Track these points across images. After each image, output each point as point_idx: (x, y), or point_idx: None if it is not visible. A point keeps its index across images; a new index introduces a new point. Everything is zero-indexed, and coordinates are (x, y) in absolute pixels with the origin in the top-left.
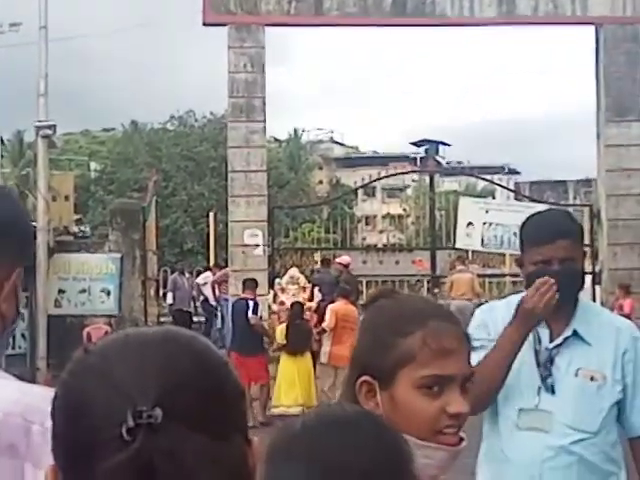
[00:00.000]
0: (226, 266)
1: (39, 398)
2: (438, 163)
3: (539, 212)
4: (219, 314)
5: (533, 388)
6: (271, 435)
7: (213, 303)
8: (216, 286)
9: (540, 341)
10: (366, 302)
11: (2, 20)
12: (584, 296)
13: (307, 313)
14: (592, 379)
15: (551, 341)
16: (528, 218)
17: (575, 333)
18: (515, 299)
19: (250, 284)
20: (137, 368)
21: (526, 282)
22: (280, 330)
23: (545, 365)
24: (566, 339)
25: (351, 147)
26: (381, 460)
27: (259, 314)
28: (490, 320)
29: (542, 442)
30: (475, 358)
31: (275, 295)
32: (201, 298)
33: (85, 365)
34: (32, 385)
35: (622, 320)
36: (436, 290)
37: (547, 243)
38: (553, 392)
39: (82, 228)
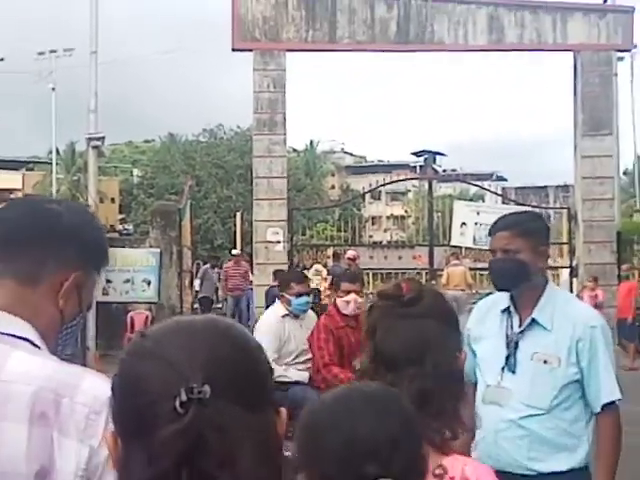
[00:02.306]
0: (251, 260)
1: (71, 376)
2: (435, 171)
3: (513, 213)
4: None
5: (499, 367)
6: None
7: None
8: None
9: (512, 326)
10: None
11: (57, 45)
12: (562, 287)
13: (326, 299)
14: (545, 362)
15: (519, 327)
16: (513, 216)
17: (534, 321)
18: (500, 296)
19: (281, 271)
20: (187, 350)
21: None
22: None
23: (510, 348)
24: (529, 325)
25: (359, 156)
26: (401, 428)
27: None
28: (486, 317)
29: (498, 415)
30: (477, 348)
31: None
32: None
33: (142, 347)
34: (67, 364)
35: (583, 310)
36: (433, 281)
37: (492, 235)
38: (514, 372)
39: (126, 227)
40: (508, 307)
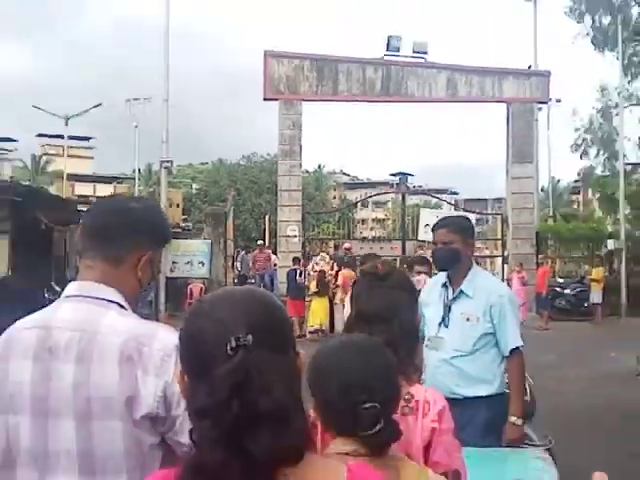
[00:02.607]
0: (275, 249)
1: (149, 329)
2: (407, 187)
3: (449, 216)
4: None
5: (437, 324)
6: (311, 349)
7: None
8: (254, 264)
9: (448, 296)
10: (363, 271)
11: (140, 94)
12: (497, 271)
13: (328, 277)
14: (468, 320)
15: (452, 295)
16: (450, 219)
17: (462, 292)
18: (441, 274)
19: (297, 260)
20: (233, 311)
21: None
22: (313, 284)
23: (445, 310)
24: (458, 294)
25: (353, 176)
26: (383, 367)
27: (302, 276)
28: (433, 289)
29: (436, 357)
30: (425, 311)
31: (312, 267)
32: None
33: (201, 309)
34: (146, 321)
35: (496, 284)
36: (404, 265)
37: (434, 231)
38: (447, 327)
39: (187, 225)
40: (445, 282)
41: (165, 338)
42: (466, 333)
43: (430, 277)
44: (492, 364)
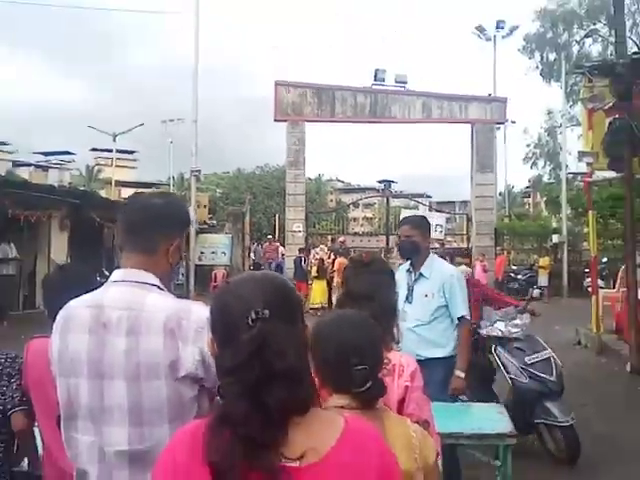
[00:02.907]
0: (283, 241)
1: (185, 306)
2: (390, 192)
3: (414, 215)
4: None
5: (403, 301)
6: (312, 321)
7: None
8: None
9: (411, 279)
10: (351, 259)
11: (174, 116)
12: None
13: (326, 264)
14: (426, 296)
15: (414, 278)
16: (409, 218)
17: (421, 274)
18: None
19: (301, 250)
20: (253, 290)
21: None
22: (314, 270)
23: (409, 290)
24: (418, 277)
25: (346, 182)
26: (372, 337)
27: (306, 263)
28: (401, 274)
29: (403, 327)
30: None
31: (313, 256)
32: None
33: (227, 288)
34: (181, 299)
35: (447, 267)
36: (388, 255)
37: (399, 227)
38: (410, 303)
39: (212, 222)
40: (409, 268)
41: (199, 312)
42: (425, 307)
43: (469, 267)
44: (446, 331)
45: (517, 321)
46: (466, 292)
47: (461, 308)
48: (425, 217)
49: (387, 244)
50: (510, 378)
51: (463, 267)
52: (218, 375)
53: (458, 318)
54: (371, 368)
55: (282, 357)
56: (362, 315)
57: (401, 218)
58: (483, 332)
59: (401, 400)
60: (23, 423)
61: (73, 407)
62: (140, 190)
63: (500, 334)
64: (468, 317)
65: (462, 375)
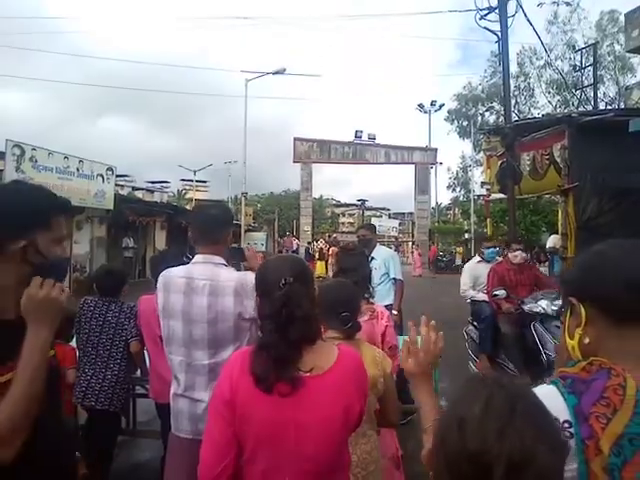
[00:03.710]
0: (298, 237)
1: (244, 276)
2: (365, 206)
3: (365, 223)
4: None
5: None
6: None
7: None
8: (284, 244)
9: (369, 261)
10: (341, 247)
11: (231, 159)
12: (408, 249)
13: (324, 250)
14: (377, 269)
15: (370, 260)
16: (366, 225)
17: (372, 257)
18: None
19: (309, 243)
20: (282, 264)
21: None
22: (317, 254)
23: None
24: (371, 259)
25: (337, 200)
26: (352, 294)
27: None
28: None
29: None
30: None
31: (316, 246)
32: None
33: (266, 264)
34: (239, 272)
35: (386, 250)
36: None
37: (358, 230)
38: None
39: (254, 225)
40: (369, 255)
41: (252, 277)
42: (377, 275)
43: (525, 252)
44: (389, 290)
45: (558, 301)
46: (399, 263)
47: (397, 272)
48: (373, 224)
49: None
50: (545, 353)
51: (519, 253)
52: (259, 318)
53: (394, 279)
54: (352, 314)
55: (300, 307)
56: (346, 282)
57: (372, 221)
58: (526, 308)
59: (383, 334)
60: (137, 347)
61: (171, 338)
62: (204, 204)
63: (542, 311)
64: (400, 278)
65: (395, 312)
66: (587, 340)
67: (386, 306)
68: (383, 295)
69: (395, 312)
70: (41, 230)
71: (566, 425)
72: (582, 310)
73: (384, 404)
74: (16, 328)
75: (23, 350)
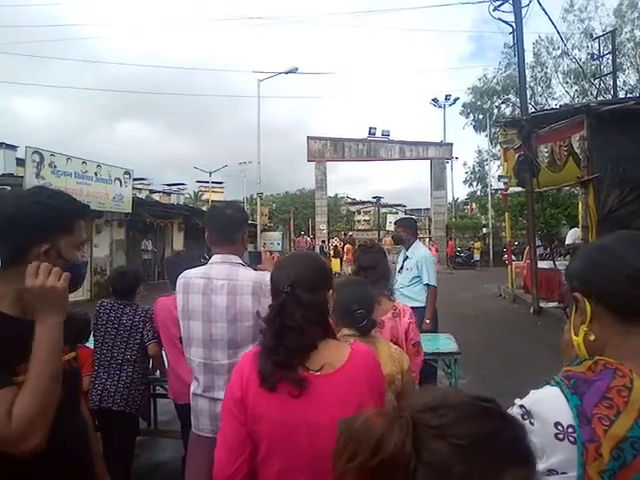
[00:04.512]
0: (314, 235)
1: (261, 275)
2: (380, 203)
3: (402, 217)
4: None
5: (397, 272)
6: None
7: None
8: (297, 244)
9: (404, 258)
10: (360, 245)
11: (246, 159)
12: (425, 244)
13: (339, 248)
14: (409, 269)
15: (404, 258)
16: (401, 219)
17: (407, 257)
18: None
19: (323, 241)
20: (290, 268)
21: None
22: (332, 252)
23: (402, 265)
24: (405, 258)
25: (352, 198)
26: (367, 292)
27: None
28: (400, 255)
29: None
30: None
31: (331, 243)
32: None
33: (280, 263)
34: (257, 271)
35: (423, 250)
36: (380, 242)
37: (394, 225)
38: (400, 273)
39: (271, 225)
40: (404, 251)
41: (268, 279)
42: (409, 275)
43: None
44: (419, 292)
45: None
46: (434, 267)
47: (431, 278)
48: (411, 218)
49: (378, 236)
50: None
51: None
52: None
53: (426, 284)
54: (367, 311)
55: (292, 318)
56: (360, 279)
57: (393, 220)
58: None
59: (406, 331)
60: (155, 350)
61: (191, 338)
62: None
63: None
64: (433, 284)
65: (428, 321)
66: (592, 337)
67: (415, 309)
68: (412, 297)
69: (427, 321)
70: (63, 234)
71: (570, 430)
72: (587, 306)
73: (402, 402)
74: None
75: (33, 344)
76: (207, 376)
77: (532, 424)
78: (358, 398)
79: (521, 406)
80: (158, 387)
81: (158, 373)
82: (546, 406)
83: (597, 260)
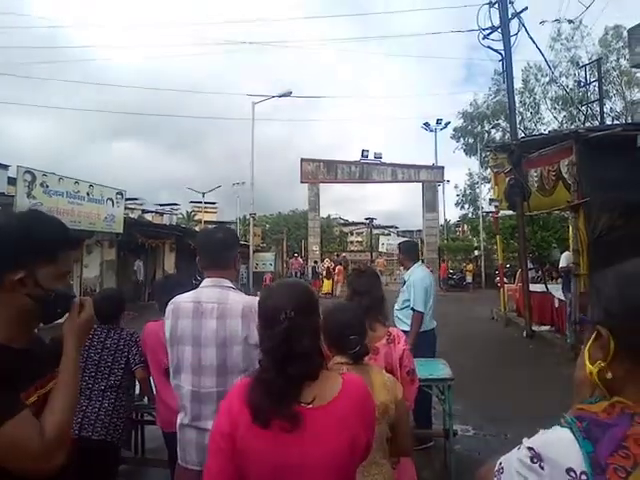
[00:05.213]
0: (307, 256)
1: (253, 299)
2: (372, 225)
3: (403, 241)
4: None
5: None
6: (323, 305)
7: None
8: (291, 266)
9: (403, 282)
10: (354, 269)
11: (239, 180)
12: (420, 266)
13: (331, 269)
14: (403, 292)
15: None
16: (401, 243)
17: (404, 280)
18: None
19: (315, 262)
20: (284, 294)
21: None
22: (324, 273)
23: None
24: (404, 280)
25: (345, 219)
26: (359, 318)
27: (319, 269)
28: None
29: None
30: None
31: (323, 264)
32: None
33: (269, 290)
34: (247, 295)
35: (414, 274)
36: (372, 264)
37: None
38: (397, 296)
39: (263, 245)
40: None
41: (256, 304)
42: (400, 299)
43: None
44: (409, 315)
45: None
46: (422, 291)
47: (413, 302)
48: (409, 241)
49: (371, 257)
50: None
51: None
52: (261, 351)
53: (411, 308)
54: (360, 337)
55: (300, 344)
56: (352, 305)
57: (386, 242)
58: None
59: (400, 357)
60: (142, 374)
61: (180, 365)
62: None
63: None
64: (418, 309)
65: (409, 345)
66: (609, 375)
67: (406, 332)
68: (403, 320)
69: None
70: (44, 264)
71: (583, 477)
72: (611, 344)
73: (396, 431)
74: (26, 356)
75: (62, 365)
76: (194, 404)
77: (542, 468)
78: (351, 431)
79: (530, 448)
80: (146, 414)
81: (146, 399)
82: (557, 450)
83: (625, 292)
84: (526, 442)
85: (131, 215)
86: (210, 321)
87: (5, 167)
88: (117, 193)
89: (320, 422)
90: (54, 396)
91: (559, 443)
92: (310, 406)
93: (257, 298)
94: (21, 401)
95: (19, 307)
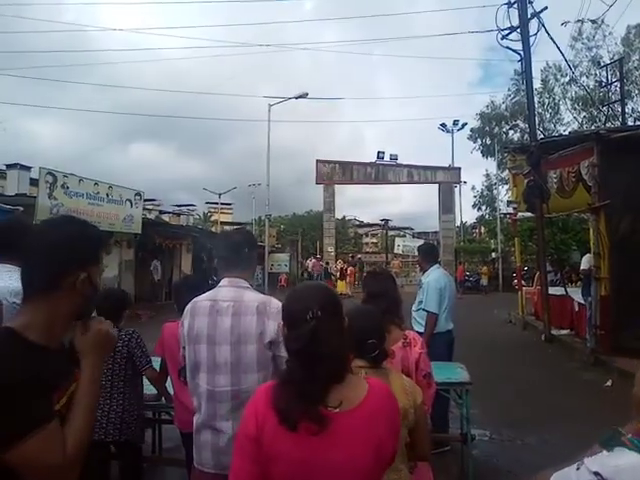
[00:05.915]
0: (322, 257)
1: (267, 298)
2: (388, 226)
3: (422, 243)
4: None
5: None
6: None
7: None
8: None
9: (420, 282)
10: (368, 272)
11: (254, 181)
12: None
13: (344, 270)
14: (419, 294)
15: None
16: (420, 245)
17: (421, 280)
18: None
19: (327, 263)
20: (310, 295)
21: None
22: (337, 274)
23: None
24: (421, 282)
25: (360, 220)
26: (378, 322)
27: (331, 270)
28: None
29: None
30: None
31: (336, 266)
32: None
33: (294, 291)
34: (262, 294)
35: (430, 275)
36: (387, 266)
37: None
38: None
39: (278, 246)
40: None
41: (275, 301)
42: (417, 300)
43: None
44: (424, 316)
45: None
46: (436, 293)
47: (425, 303)
48: (427, 244)
49: (386, 259)
50: None
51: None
52: (287, 352)
53: (424, 309)
54: (378, 342)
55: (327, 345)
56: (371, 308)
57: (401, 244)
58: None
59: (417, 361)
60: (152, 374)
61: (197, 363)
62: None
63: None
64: (431, 310)
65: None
66: None
67: (421, 333)
68: (418, 321)
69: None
70: (94, 263)
71: None
72: None
73: (415, 436)
74: (61, 357)
75: (82, 381)
76: (210, 404)
77: None
78: (377, 437)
79: (596, 473)
80: (163, 413)
81: (163, 399)
82: (629, 478)
83: None
84: (589, 463)
85: (149, 216)
86: (225, 318)
87: (28, 168)
88: (135, 194)
89: (347, 426)
90: (75, 414)
91: (633, 472)
92: (337, 410)
93: (272, 297)
94: (52, 408)
95: (74, 306)
